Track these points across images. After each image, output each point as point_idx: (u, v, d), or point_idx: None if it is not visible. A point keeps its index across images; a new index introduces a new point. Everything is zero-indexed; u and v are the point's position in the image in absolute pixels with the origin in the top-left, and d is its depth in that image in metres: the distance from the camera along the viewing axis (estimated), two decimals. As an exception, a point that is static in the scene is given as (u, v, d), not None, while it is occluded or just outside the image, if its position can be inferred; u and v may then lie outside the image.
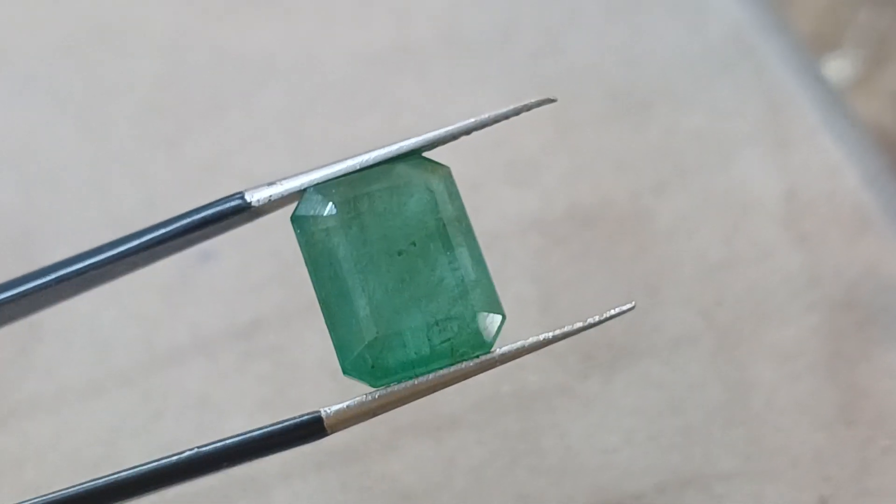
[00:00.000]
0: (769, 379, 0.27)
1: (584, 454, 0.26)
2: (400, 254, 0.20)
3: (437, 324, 0.20)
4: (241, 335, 0.29)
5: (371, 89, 0.34)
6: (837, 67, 0.39)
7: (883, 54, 0.40)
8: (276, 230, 0.30)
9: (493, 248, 0.30)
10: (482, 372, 0.20)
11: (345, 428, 0.21)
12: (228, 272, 0.30)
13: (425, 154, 0.21)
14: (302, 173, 0.21)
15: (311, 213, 0.21)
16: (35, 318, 0.26)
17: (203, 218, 0.21)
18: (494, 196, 0.31)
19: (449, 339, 0.20)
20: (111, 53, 0.36)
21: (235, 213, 0.21)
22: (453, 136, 0.21)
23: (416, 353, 0.20)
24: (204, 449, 0.20)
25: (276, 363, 0.28)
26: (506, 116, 0.21)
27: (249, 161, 0.33)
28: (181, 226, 0.21)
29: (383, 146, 0.21)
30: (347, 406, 0.20)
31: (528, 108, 0.21)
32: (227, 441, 0.20)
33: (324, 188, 0.21)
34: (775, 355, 0.27)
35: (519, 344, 0.20)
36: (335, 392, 0.28)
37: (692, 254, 0.29)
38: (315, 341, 0.28)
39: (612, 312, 0.21)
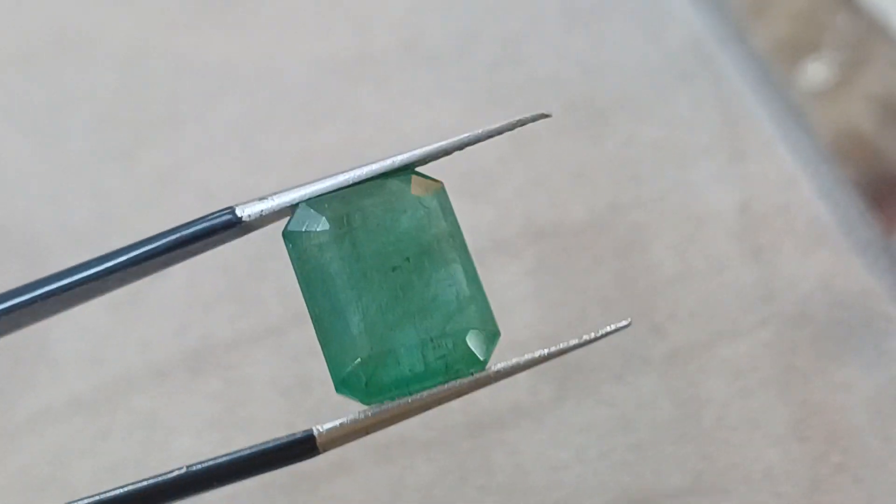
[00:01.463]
0: (721, 395, 0.27)
1: (534, 472, 0.26)
2: (394, 270, 0.20)
3: (432, 340, 0.20)
4: (191, 352, 0.28)
5: (329, 99, 0.34)
6: (814, 72, 0.38)
7: (860, 59, 0.40)
8: (227, 246, 0.30)
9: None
10: (477, 389, 0.20)
11: (337, 447, 0.20)
12: (178, 288, 0.30)
13: (418, 169, 0.21)
14: (293, 188, 0.20)
15: (303, 228, 0.20)
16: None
17: (193, 233, 0.21)
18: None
19: (443, 356, 0.20)
20: (67, 64, 0.35)
21: (226, 227, 0.21)
22: (446, 152, 0.21)
23: (410, 370, 0.20)
24: (194, 468, 0.20)
25: (225, 381, 0.28)
26: (500, 132, 0.21)
27: (206, 173, 0.33)
28: (171, 241, 0.21)
29: (376, 161, 0.20)
30: (340, 424, 0.20)
31: (522, 123, 0.21)
32: (218, 460, 0.20)
33: (316, 203, 0.20)
34: (728, 371, 0.27)
35: (514, 361, 0.20)
36: (285, 410, 0.27)
37: (646, 267, 0.29)
38: (265, 359, 0.28)
39: (609, 329, 0.21)
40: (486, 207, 0.31)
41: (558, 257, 0.30)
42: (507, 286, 0.29)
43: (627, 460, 0.26)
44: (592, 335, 0.21)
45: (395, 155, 0.20)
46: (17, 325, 0.21)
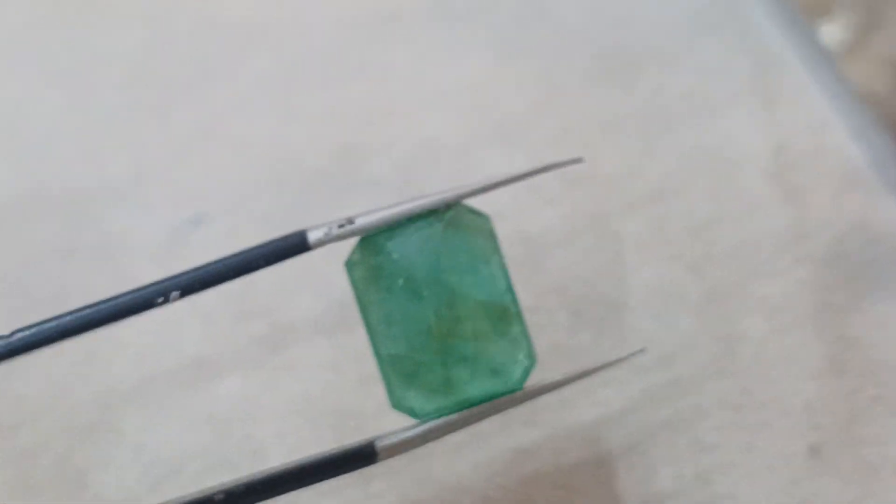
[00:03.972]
0: (758, 332, 0.27)
1: (578, 408, 0.27)
2: (450, 305, 0.21)
3: (483, 374, 0.21)
4: (235, 297, 0.29)
5: (358, 55, 0.34)
6: (829, 33, 0.39)
7: (874, 20, 0.40)
8: (265, 194, 0.31)
9: (481, 209, 0.30)
10: (514, 406, 0.22)
11: (393, 456, 0.22)
12: (220, 235, 0.30)
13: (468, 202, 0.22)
14: (358, 216, 0.22)
15: (364, 263, 0.22)
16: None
17: (264, 256, 0.22)
18: (483, 157, 0.31)
19: (492, 388, 0.21)
20: (99, 22, 0.36)
21: (295, 251, 0.22)
22: (492, 188, 0.22)
23: (455, 401, 0.21)
24: (256, 477, 0.21)
25: (269, 324, 0.28)
26: (537, 173, 0.22)
27: (239, 127, 0.33)
28: (245, 262, 0.22)
29: (429, 195, 0.22)
30: (398, 441, 0.22)
31: (556, 166, 0.23)
32: (278, 471, 0.21)
33: (376, 241, 0.21)
34: (764, 309, 0.28)
35: (546, 383, 0.22)
36: (329, 352, 0.28)
37: (680, 211, 0.29)
38: (308, 302, 0.29)
39: (625, 356, 0.23)
40: (519, 155, 0.31)
41: (592, 203, 0.30)
42: (543, 231, 0.29)
43: (668, 395, 0.27)
44: (612, 360, 0.23)
45: (446, 191, 0.22)
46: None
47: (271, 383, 0.27)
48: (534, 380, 0.22)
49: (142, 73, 0.34)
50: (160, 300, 0.21)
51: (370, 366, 0.27)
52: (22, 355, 0.21)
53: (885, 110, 0.35)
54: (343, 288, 0.28)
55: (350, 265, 0.22)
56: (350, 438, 0.26)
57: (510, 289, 0.21)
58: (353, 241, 0.22)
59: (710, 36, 0.33)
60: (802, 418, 0.26)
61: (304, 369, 0.28)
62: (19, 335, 0.21)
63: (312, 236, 0.22)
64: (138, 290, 0.21)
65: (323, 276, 0.29)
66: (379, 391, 0.27)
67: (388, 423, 0.26)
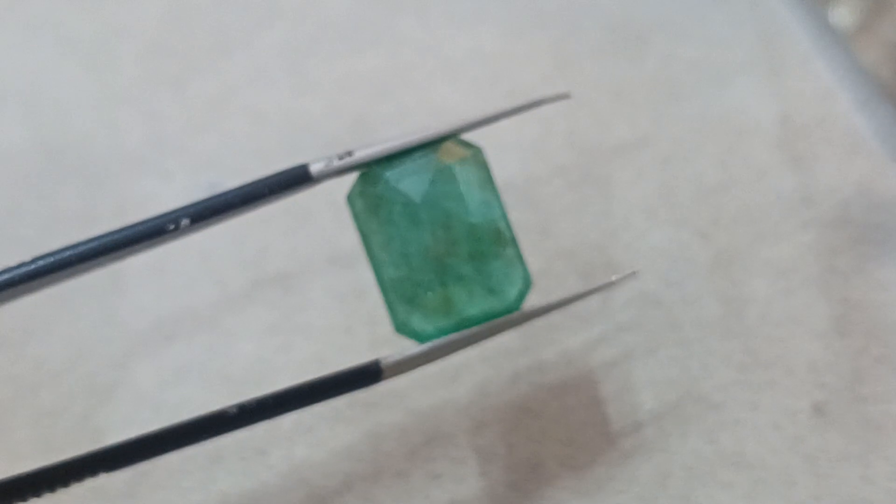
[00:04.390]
0: (764, 294, 0.28)
1: (585, 368, 0.27)
2: (446, 228, 0.22)
3: (481, 293, 0.22)
4: (249, 263, 0.29)
5: (372, 26, 0.35)
6: (838, 16, 0.39)
7: (882, 4, 0.40)
8: (280, 163, 0.31)
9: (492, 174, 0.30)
10: (511, 328, 0.23)
11: (397, 375, 0.23)
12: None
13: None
14: (357, 149, 0.23)
15: (364, 194, 0.23)
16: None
17: (269, 186, 0.23)
18: (495, 126, 0.31)
19: (489, 308, 0.22)
20: (115, -4, 0.36)
21: (299, 182, 0.23)
22: (485, 123, 0.24)
23: (454, 323, 0.22)
24: (272, 394, 0.22)
25: (283, 289, 0.29)
26: (526, 109, 0.24)
27: (255, 97, 0.33)
28: (252, 192, 0.23)
29: (425, 130, 0.23)
30: (402, 358, 0.23)
31: (545, 101, 0.24)
32: (289, 388, 0.22)
33: (375, 173, 0.23)
34: (770, 271, 0.28)
35: (543, 304, 0.23)
36: (341, 316, 0.28)
37: (689, 177, 0.30)
38: (320, 268, 0.29)
39: (615, 278, 0.25)
40: (530, 124, 0.31)
41: (601, 170, 0.30)
42: (552, 197, 0.30)
43: (675, 355, 0.27)
44: (593, 286, 0.24)
45: (441, 126, 0.23)
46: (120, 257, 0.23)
47: (285, 346, 0.28)
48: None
49: (159, 43, 0.35)
50: (171, 227, 0.22)
51: (382, 329, 0.28)
52: (41, 280, 0.22)
53: (892, 92, 0.36)
54: (354, 251, 0.29)
55: (351, 198, 0.23)
56: (362, 398, 0.27)
57: (504, 215, 0.23)
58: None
59: (718, 7, 0.33)
60: (807, 378, 0.27)
61: (318, 332, 0.28)
62: (39, 262, 0.22)
63: (314, 168, 0.23)
64: (150, 218, 0.22)
65: (335, 241, 0.29)
66: (390, 352, 0.28)
67: (398, 384, 0.27)
